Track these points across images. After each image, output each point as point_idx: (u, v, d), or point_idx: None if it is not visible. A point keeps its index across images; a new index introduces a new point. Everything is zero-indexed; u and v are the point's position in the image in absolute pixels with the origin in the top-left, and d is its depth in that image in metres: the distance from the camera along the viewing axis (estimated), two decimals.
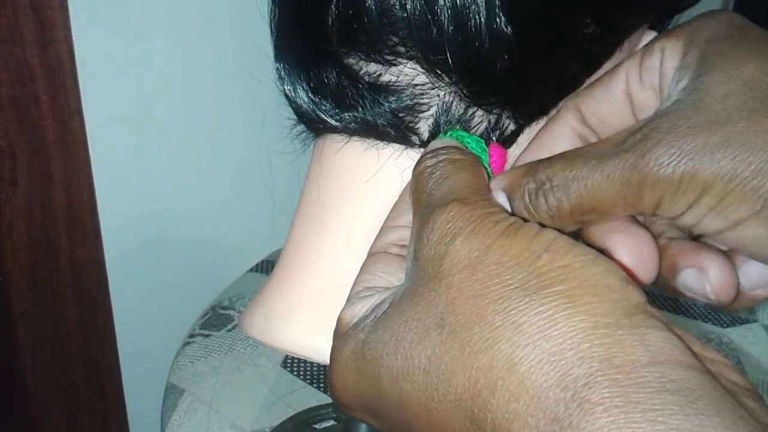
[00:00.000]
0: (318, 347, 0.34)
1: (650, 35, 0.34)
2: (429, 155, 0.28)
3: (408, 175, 0.31)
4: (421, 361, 0.22)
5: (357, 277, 0.29)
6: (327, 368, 0.27)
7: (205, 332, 0.79)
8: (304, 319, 0.35)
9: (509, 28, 0.28)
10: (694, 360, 0.19)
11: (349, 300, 0.28)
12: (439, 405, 0.22)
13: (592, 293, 0.21)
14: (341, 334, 0.27)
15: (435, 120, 0.32)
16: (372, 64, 0.31)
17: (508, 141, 0.33)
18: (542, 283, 0.21)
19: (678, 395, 0.18)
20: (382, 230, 0.30)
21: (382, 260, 0.29)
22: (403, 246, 0.30)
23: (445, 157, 0.28)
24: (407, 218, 0.30)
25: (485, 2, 0.28)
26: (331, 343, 0.31)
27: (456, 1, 0.28)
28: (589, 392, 0.19)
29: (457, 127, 0.32)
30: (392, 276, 0.28)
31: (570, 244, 0.22)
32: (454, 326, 0.22)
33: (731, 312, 0.79)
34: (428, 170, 0.27)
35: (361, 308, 0.27)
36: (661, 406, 0.18)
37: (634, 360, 0.19)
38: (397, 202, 0.31)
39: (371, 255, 0.30)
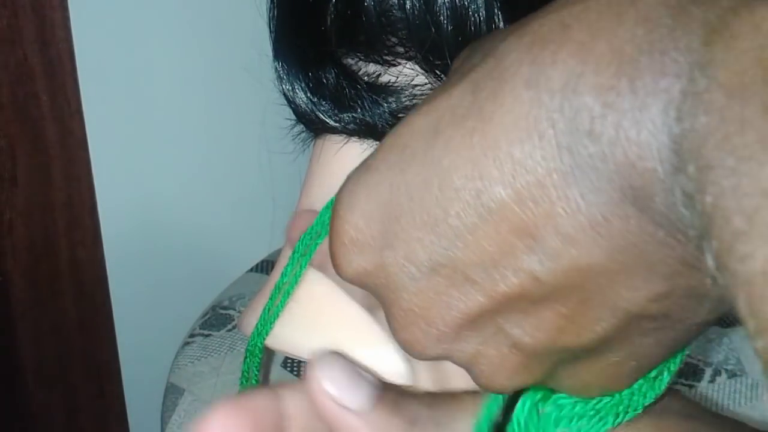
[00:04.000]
0: (317, 349, 0.34)
1: None
2: None
3: None
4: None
5: None
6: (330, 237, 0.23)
7: (205, 332, 0.79)
8: (303, 321, 0.35)
9: None
10: None
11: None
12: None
13: None
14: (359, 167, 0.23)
15: None
16: (371, 64, 0.31)
17: None
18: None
19: None
20: None
21: None
22: None
23: None
24: None
25: (484, 2, 0.28)
26: (331, 335, 0.31)
27: (455, 2, 0.28)
28: None
29: None
30: None
31: None
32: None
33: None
34: None
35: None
36: None
37: None
38: None
39: None
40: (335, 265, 0.23)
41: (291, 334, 0.35)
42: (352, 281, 0.23)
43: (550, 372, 0.23)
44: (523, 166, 0.19)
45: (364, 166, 0.23)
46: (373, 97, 0.31)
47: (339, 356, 0.25)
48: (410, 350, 0.23)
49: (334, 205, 0.23)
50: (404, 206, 0.21)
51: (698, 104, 0.16)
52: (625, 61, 0.17)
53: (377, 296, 0.23)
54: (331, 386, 0.24)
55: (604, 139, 0.17)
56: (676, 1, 0.17)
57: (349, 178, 0.23)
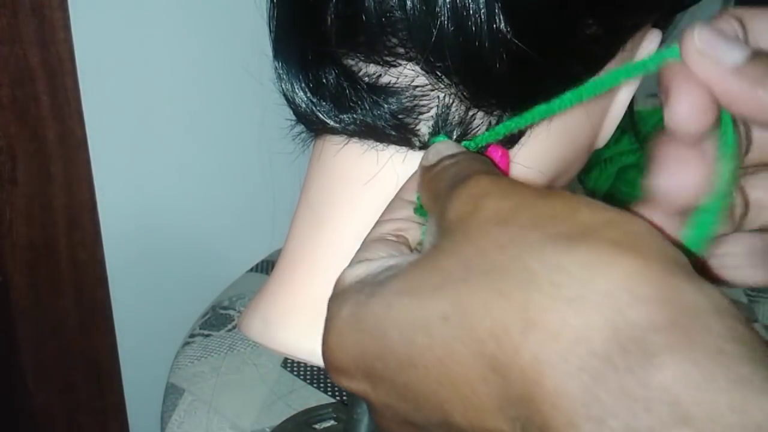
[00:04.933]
0: (316, 350, 0.34)
1: (654, 34, 0.34)
2: (445, 158, 0.27)
3: (406, 178, 0.31)
4: (441, 309, 0.20)
5: (355, 255, 0.28)
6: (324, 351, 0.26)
7: (205, 332, 0.79)
8: (302, 321, 0.35)
9: (509, 29, 0.28)
10: (744, 318, 0.19)
11: (350, 264, 0.26)
12: (456, 356, 0.20)
13: (641, 243, 0.19)
14: (340, 291, 0.25)
15: (435, 122, 0.31)
16: (371, 65, 0.31)
17: (509, 142, 0.32)
18: (587, 231, 0.20)
19: (746, 346, 0.17)
20: (378, 223, 0.30)
21: (381, 243, 0.28)
22: (399, 235, 0.29)
23: (463, 156, 0.27)
24: (404, 212, 0.29)
25: (485, 3, 0.28)
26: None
27: (455, 2, 0.28)
28: (650, 334, 0.17)
29: (458, 129, 0.31)
30: (389, 255, 0.27)
31: (607, 205, 0.21)
32: (482, 270, 0.20)
33: None
34: (447, 165, 0.27)
35: (365, 269, 0.25)
36: (731, 354, 0.17)
37: (697, 307, 0.18)
38: (393, 200, 0.31)
39: (365, 241, 0.29)
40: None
41: (291, 335, 0.35)
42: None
43: None
44: None
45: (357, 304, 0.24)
46: (374, 98, 0.31)
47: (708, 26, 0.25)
48: None
49: (323, 334, 0.25)
50: (386, 370, 0.23)
51: None
52: None
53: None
54: (702, 44, 0.25)
55: None
56: None
57: (345, 301, 0.24)
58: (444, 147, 0.29)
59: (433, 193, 0.26)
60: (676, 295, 0.18)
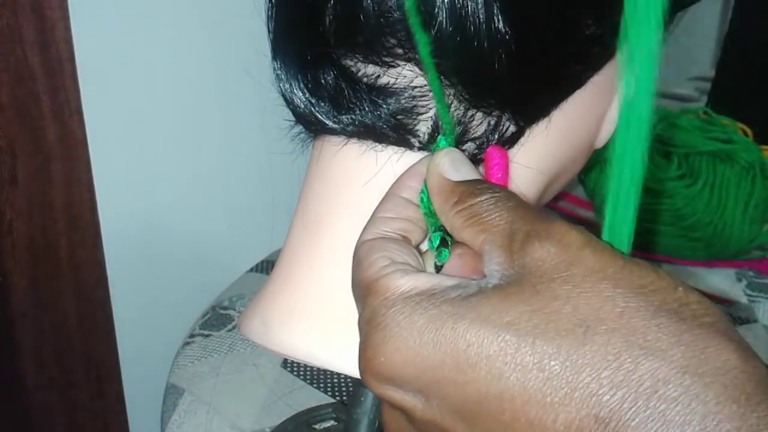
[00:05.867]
0: (315, 352, 0.34)
1: None
2: (478, 185, 0.28)
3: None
4: (544, 355, 0.21)
5: (371, 254, 0.28)
6: (363, 342, 0.25)
7: (205, 332, 0.79)
8: (301, 323, 0.35)
9: (508, 29, 0.28)
10: None
11: (389, 272, 0.26)
12: (550, 403, 0.21)
13: (731, 331, 0.22)
14: (398, 299, 0.25)
15: (434, 122, 0.31)
16: (370, 65, 0.31)
17: (509, 142, 0.32)
18: (689, 310, 0.22)
19: None
20: (379, 219, 0.30)
21: (396, 244, 0.28)
22: (406, 237, 0.29)
23: (503, 190, 0.28)
24: (407, 212, 0.30)
25: (483, 3, 0.28)
26: (328, 339, 0.30)
27: (454, 3, 0.28)
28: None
29: (458, 129, 0.31)
30: (409, 258, 0.28)
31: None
32: (600, 331, 0.21)
33: (730, 313, 0.79)
34: (492, 197, 0.27)
35: (422, 282, 0.25)
36: None
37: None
38: (390, 196, 0.31)
39: (375, 239, 0.29)
40: (364, 379, 0.26)
41: (291, 336, 0.35)
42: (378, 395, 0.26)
43: None
44: None
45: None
46: (372, 98, 0.31)
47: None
48: None
49: (368, 337, 0.25)
50: (456, 392, 0.23)
51: None
52: None
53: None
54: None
55: None
56: None
57: (413, 312, 0.24)
58: (459, 161, 0.29)
59: (485, 224, 0.26)
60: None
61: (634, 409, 0.20)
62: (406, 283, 0.25)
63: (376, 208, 0.30)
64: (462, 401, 0.23)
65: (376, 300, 0.25)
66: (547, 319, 0.22)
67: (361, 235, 0.29)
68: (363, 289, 0.26)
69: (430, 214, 0.29)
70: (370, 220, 0.30)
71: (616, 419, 0.20)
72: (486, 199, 0.27)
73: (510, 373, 0.22)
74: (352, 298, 0.28)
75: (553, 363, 0.21)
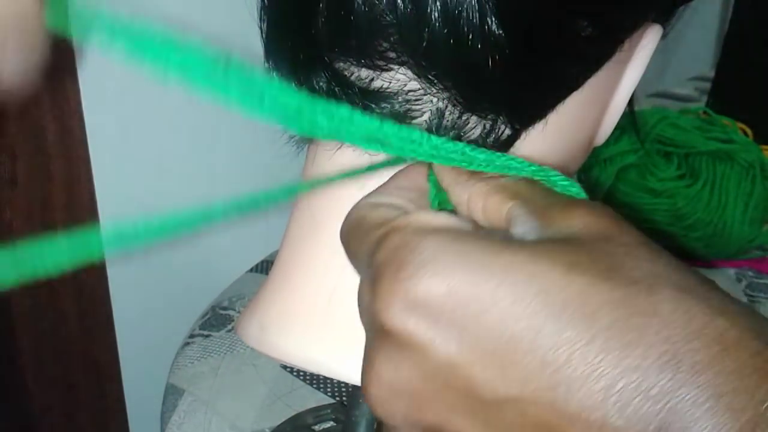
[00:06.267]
0: (312, 357, 0.33)
1: (654, 31, 0.34)
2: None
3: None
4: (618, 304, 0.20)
5: (380, 199, 0.27)
6: (391, 266, 0.22)
7: (205, 332, 0.79)
8: (298, 328, 0.34)
9: (501, 32, 0.28)
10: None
11: (410, 210, 0.26)
12: (619, 346, 0.20)
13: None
14: (437, 229, 0.23)
15: (428, 126, 0.31)
16: (363, 69, 0.31)
17: (505, 145, 0.32)
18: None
19: None
20: (375, 192, 0.29)
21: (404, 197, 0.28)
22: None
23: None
24: (410, 193, 0.29)
25: (477, 5, 0.27)
26: (325, 345, 0.30)
27: (447, 5, 0.27)
28: None
29: (452, 133, 0.31)
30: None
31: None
32: (669, 286, 0.21)
33: None
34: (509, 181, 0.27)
35: (455, 220, 0.24)
36: None
37: None
38: (389, 181, 0.30)
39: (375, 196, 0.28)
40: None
41: (287, 342, 0.35)
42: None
43: None
44: None
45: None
46: (366, 102, 0.31)
47: None
48: None
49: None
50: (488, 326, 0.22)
51: None
52: None
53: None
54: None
55: None
56: None
57: (456, 239, 0.23)
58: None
59: (514, 193, 0.26)
60: None
61: (708, 360, 0.20)
62: (437, 217, 0.24)
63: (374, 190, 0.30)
64: (506, 342, 0.21)
65: (405, 233, 0.23)
66: (611, 267, 0.21)
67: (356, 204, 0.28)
68: (378, 232, 0.24)
69: (437, 193, 0.29)
70: (366, 195, 0.29)
71: (687, 363, 0.20)
72: (512, 176, 0.27)
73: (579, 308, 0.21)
74: (350, 302, 0.27)
75: (620, 308, 0.21)
